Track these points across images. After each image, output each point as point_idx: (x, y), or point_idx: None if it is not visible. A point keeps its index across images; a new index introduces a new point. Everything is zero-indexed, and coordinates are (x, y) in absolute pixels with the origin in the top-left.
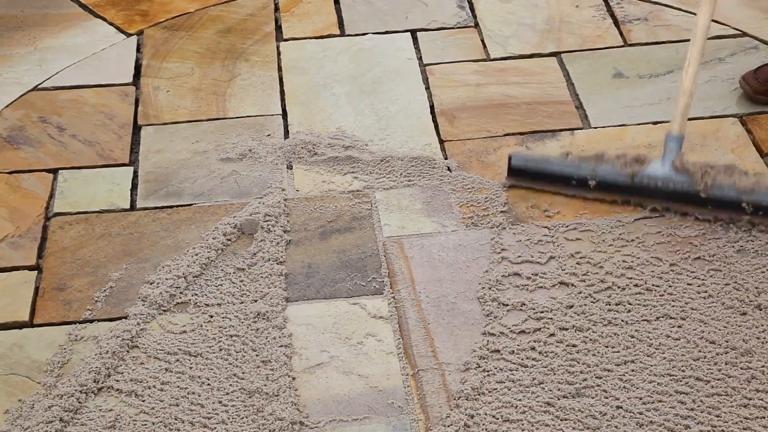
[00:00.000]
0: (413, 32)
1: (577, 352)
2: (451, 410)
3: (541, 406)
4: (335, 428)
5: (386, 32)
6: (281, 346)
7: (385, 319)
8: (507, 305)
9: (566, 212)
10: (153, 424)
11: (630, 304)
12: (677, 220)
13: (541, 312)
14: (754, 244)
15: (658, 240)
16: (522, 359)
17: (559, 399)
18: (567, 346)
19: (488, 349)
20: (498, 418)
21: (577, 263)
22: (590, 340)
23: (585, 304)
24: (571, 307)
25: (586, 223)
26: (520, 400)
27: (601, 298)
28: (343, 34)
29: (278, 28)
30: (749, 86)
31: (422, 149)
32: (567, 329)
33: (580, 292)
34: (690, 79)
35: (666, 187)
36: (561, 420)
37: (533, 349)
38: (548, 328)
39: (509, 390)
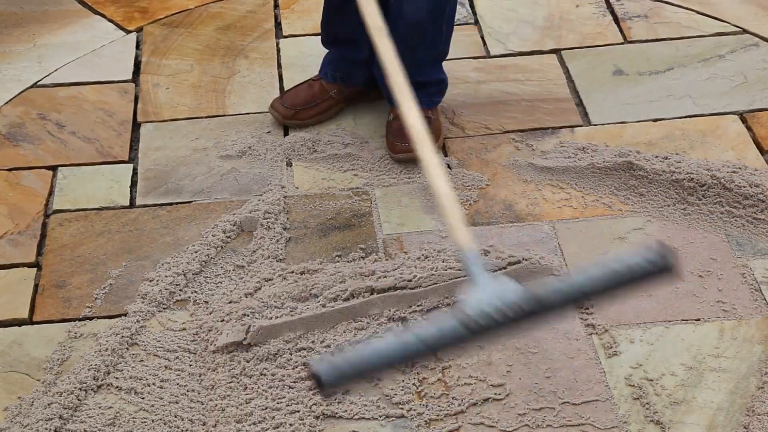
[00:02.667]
0: None
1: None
2: (451, 409)
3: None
4: (335, 427)
5: None
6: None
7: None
8: None
9: (566, 211)
10: (152, 421)
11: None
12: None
13: None
14: None
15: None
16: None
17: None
18: None
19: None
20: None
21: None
22: None
23: None
24: None
25: (588, 221)
26: (520, 399)
27: None
28: None
29: (278, 24)
30: (278, 113)
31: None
32: None
33: None
34: (443, 181)
35: (501, 311)
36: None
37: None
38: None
39: (508, 389)
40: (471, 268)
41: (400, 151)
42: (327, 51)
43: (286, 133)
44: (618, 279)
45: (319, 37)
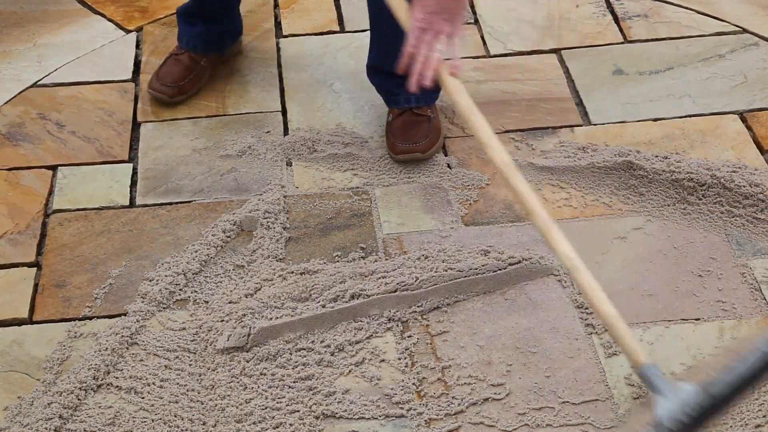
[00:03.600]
0: None
1: None
2: (451, 409)
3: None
4: (335, 427)
5: None
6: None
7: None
8: (507, 301)
9: (566, 210)
10: (152, 421)
11: None
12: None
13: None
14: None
15: (657, 240)
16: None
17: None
18: None
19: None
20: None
21: None
22: None
23: None
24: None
25: (587, 221)
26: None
27: None
28: (343, 30)
29: (278, 24)
30: (163, 93)
31: None
32: None
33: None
34: (607, 304)
35: (690, 415)
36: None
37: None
38: None
39: (508, 388)
40: (653, 380)
41: (401, 151)
42: (187, 24)
43: (285, 133)
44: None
45: (319, 36)
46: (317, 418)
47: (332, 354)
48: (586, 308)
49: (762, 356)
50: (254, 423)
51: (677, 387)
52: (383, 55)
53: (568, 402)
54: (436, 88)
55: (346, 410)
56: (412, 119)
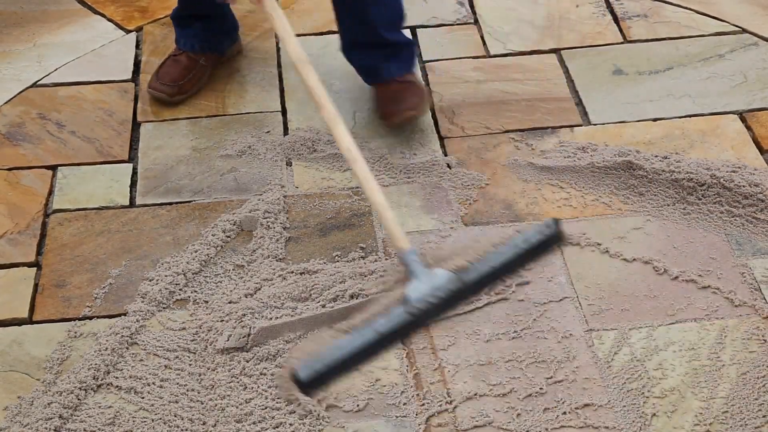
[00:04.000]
0: (413, 29)
1: None
2: (451, 409)
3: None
4: (335, 427)
5: None
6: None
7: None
8: (506, 301)
9: (566, 210)
10: (152, 420)
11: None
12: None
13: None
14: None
15: (658, 241)
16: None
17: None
18: None
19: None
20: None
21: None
22: None
23: None
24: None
25: (587, 221)
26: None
27: None
28: None
29: None
30: (162, 93)
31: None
32: None
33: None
34: (378, 192)
35: (440, 297)
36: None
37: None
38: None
39: (508, 388)
40: (410, 265)
41: (395, 113)
42: (182, 26)
43: (285, 133)
44: (524, 255)
45: (319, 36)
46: (317, 417)
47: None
48: (586, 307)
49: (515, 250)
50: (254, 423)
51: (433, 272)
52: (356, 26)
53: (567, 402)
54: (410, 54)
55: (346, 410)
56: (400, 87)
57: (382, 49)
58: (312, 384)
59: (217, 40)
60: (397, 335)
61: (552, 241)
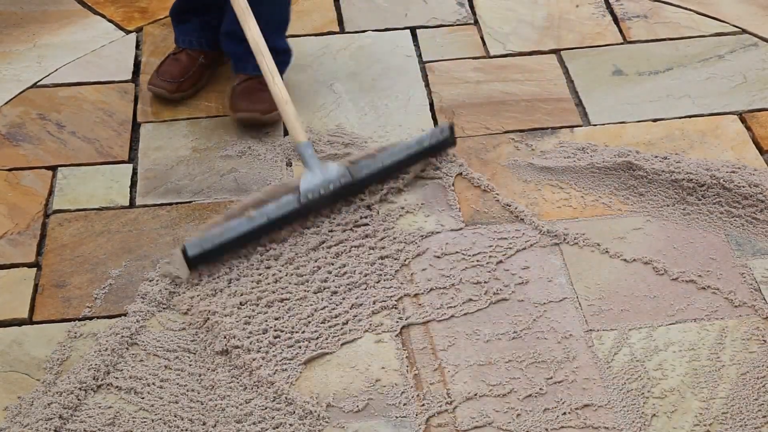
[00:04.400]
0: (413, 29)
1: None
2: (451, 409)
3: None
4: (335, 427)
5: (386, 29)
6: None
7: (384, 316)
8: (506, 301)
9: (566, 210)
10: (152, 421)
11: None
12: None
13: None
14: None
15: (657, 241)
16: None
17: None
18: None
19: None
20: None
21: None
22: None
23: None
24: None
25: (587, 221)
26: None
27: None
28: (342, 31)
29: None
30: (163, 89)
31: None
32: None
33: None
34: (280, 88)
35: (329, 190)
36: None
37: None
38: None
39: (508, 389)
40: (305, 157)
41: (240, 110)
42: (180, 22)
43: (285, 133)
44: (414, 153)
45: (319, 37)
46: (318, 418)
47: (331, 353)
48: (586, 307)
49: (407, 150)
50: (254, 423)
51: (326, 165)
52: (238, 22)
53: (567, 402)
54: (283, 61)
55: (346, 410)
56: (257, 86)
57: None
58: (197, 260)
59: (215, 35)
60: (284, 221)
61: (444, 144)
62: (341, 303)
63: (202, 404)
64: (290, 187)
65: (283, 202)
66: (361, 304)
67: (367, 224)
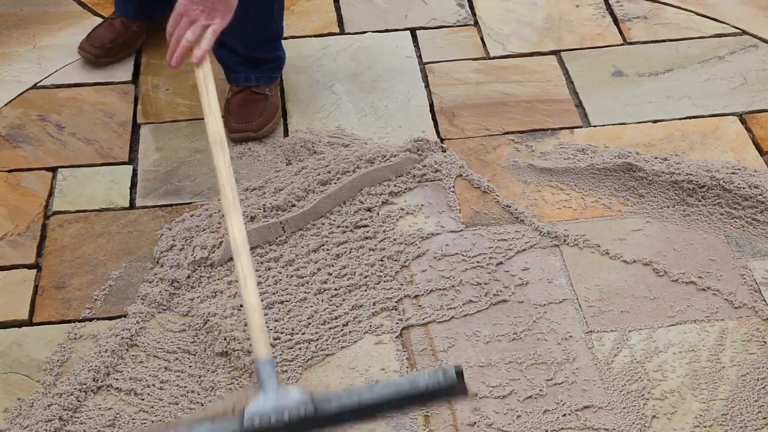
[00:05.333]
0: (413, 30)
1: None
2: (451, 410)
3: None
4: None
5: (386, 30)
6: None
7: (384, 318)
8: (506, 302)
9: (566, 212)
10: (152, 422)
11: None
12: None
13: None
14: None
15: (658, 242)
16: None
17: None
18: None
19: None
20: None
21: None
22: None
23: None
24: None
25: (587, 223)
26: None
27: None
28: (342, 32)
29: None
30: (89, 54)
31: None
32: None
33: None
34: (253, 292)
35: (282, 419)
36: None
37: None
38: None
39: (508, 390)
40: (263, 376)
41: (234, 130)
42: None
43: (285, 135)
44: (403, 396)
45: (318, 38)
46: None
47: (331, 354)
48: (587, 309)
49: (395, 390)
50: None
51: (285, 390)
52: (230, 31)
53: (567, 403)
54: (276, 68)
55: None
56: (250, 98)
57: (245, 59)
58: None
59: (153, 6)
60: None
61: (445, 391)
62: (341, 304)
63: (203, 406)
64: (236, 406)
65: (219, 426)
66: (361, 306)
67: (367, 226)
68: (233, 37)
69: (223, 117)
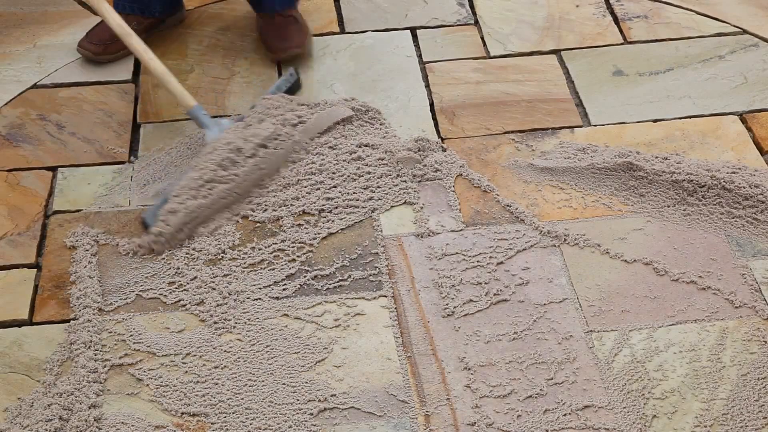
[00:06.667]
0: (413, 30)
1: None
2: (451, 410)
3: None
4: (335, 426)
5: (386, 30)
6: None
7: (384, 317)
8: (507, 302)
9: (566, 211)
10: None
11: None
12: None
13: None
14: None
15: (659, 240)
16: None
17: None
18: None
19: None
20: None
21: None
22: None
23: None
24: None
25: (587, 222)
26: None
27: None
28: (343, 31)
29: None
30: (88, 51)
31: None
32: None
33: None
34: (156, 63)
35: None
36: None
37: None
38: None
39: (508, 389)
40: (200, 118)
41: (280, 50)
42: None
43: None
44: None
45: (319, 37)
46: (316, 417)
47: (331, 352)
48: (585, 304)
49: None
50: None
51: (218, 121)
52: None
53: (567, 403)
54: None
55: (345, 410)
56: (282, 21)
57: None
58: (153, 218)
59: (151, 5)
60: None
61: (296, 87)
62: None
63: (208, 398)
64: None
65: (201, 161)
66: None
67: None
68: None
69: (264, 43)
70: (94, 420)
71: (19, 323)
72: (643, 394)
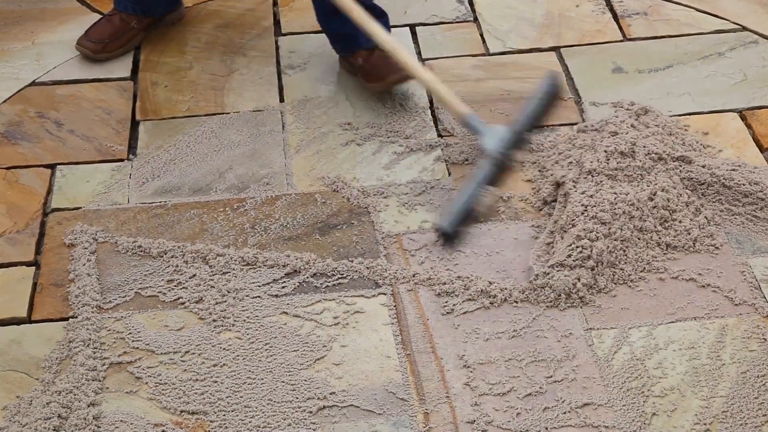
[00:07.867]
0: (412, 27)
1: None
2: (451, 409)
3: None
4: (335, 425)
5: None
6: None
7: (384, 315)
8: (507, 301)
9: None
10: None
11: None
12: None
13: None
14: None
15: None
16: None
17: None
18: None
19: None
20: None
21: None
22: None
23: None
24: None
25: None
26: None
27: None
28: None
29: (277, 22)
30: (87, 49)
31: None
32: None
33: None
34: (425, 71)
35: (506, 146)
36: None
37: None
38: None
39: (507, 387)
40: (477, 126)
41: (389, 77)
42: None
43: (283, 128)
44: (542, 108)
45: (318, 35)
46: (315, 415)
47: (330, 349)
48: (585, 303)
49: (534, 104)
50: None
51: (494, 129)
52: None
53: (567, 402)
54: (387, 25)
55: (345, 408)
56: (382, 55)
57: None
58: (453, 226)
59: (151, 4)
60: (492, 177)
61: (556, 92)
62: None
63: (207, 396)
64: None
65: (484, 166)
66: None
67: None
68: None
69: (368, 76)
70: (93, 418)
71: (17, 321)
72: (643, 392)
